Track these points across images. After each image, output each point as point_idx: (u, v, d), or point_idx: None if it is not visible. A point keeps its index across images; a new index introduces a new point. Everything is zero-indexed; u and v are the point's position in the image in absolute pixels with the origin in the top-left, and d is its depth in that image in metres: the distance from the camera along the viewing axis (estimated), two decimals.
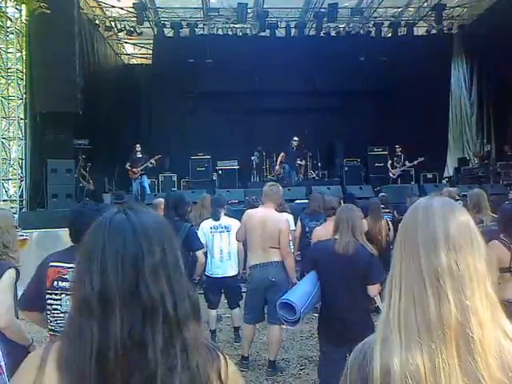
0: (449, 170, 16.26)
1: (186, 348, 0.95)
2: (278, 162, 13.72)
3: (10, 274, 2.63)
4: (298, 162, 13.43)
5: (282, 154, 13.42)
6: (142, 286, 0.93)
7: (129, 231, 0.97)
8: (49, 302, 2.54)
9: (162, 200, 5.25)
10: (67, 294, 2.48)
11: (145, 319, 0.92)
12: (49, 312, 2.56)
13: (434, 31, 15.67)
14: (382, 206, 6.97)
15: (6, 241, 2.76)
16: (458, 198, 7.04)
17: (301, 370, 4.80)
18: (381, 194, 8.76)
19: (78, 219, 2.53)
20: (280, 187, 5.00)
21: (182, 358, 0.94)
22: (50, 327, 2.59)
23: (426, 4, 15.05)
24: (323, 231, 4.81)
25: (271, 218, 4.72)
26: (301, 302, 3.28)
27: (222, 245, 5.49)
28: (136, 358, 0.90)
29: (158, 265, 0.96)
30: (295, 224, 6.58)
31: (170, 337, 0.94)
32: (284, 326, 5.00)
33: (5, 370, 1.69)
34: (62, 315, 2.52)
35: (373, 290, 3.42)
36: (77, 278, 0.98)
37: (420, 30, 16.07)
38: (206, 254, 5.07)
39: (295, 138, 12.90)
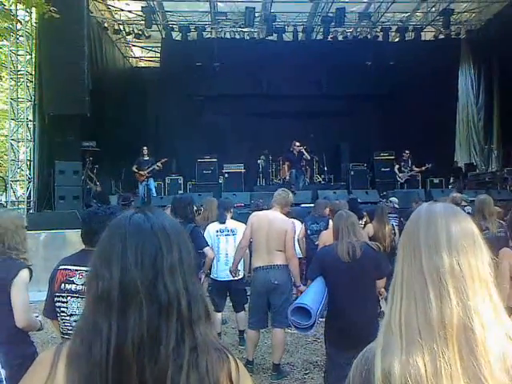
0: (462, 171, 16.16)
1: (196, 348, 0.97)
2: (285, 171, 13.67)
3: (24, 273, 2.72)
4: (304, 163, 13.31)
5: (287, 163, 13.38)
6: (159, 283, 0.95)
7: (148, 230, 1.00)
8: (57, 304, 2.55)
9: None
10: (73, 297, 2.51)
11: (160, 316, 0.94)
12: (58, 315, 2.57)
13: (441, 36, 15.65)
14: (389, 211, 6.96)
15: (16, 242, 2.79)
16: (464, 204, 7.00)
17: (305, 374, 4.79)
18: (392, 198, 8.74)
19: (92, 220, 2.56)
20: (290, 194, 5.05)
21: (191, 357, 0.95)
22: (61, 330, 2.60)
23: (433, 9, 15.03)
24: (329, 236, 4.82)
25: (277, 220, 4.75)
26: (315, 306, 3.26)
27: (227, 248, 5.49)
28: (149, 354, 0.93)
29: (175, 263, 0.98)
30: None
31: (182, 335, 0.96)
32: (289, 331, 5.02)
33: (3, 376, 1.70)
34: (67, 318, 2.52)
35: (380, 283, 3.47)
36: (94, 274, 0.99)
37: (428, 35, 16.06)
38: None
39: (297, 144, 12.69)
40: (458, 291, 0.99)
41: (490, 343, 0.97)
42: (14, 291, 2.65)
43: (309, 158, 12.96)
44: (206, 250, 4.45)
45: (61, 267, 2.60)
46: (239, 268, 5.27)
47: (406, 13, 15.50)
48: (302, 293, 4.90)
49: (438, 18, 15.14)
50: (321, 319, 3.56)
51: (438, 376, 0.96)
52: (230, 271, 5.13)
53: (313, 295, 3.35)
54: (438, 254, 1.02)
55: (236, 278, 5.46)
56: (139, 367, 0.92)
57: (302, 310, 3.31)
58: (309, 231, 6.51)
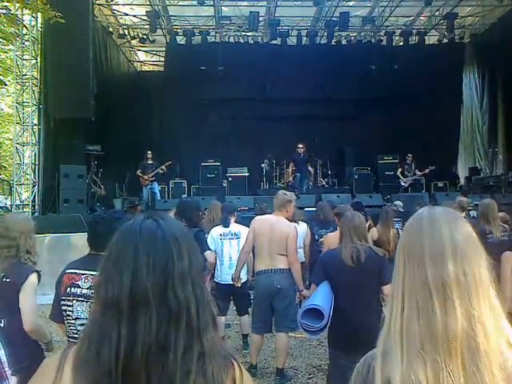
0: (460, 180, 16.16)
1: (203, 354, 0.97)
2: (289, 174, 13.70)
3: (33, 278, 2.73)
4: (308, 167, 13.38)
5: (292, 164, 13.42)
6: (169, 290, 0.96)
7: (160, 236, 1.00)
8: (63, 308, 2.57)
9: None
10: (78, 300, 2.52)
11: (170, 322, 0.94)
12: (65, 319, 2.59)
13: (445, 40, 15.65)
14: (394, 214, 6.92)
15: (29, 246, 2.81)
16: (470, 208, 6.97)
17: (309, 378, 4.78)
18: (396, 202, 8.71)
19: (99, 224, 2.58)
20: (287, 194, 5.00)
21: (198, 364, 0.96)
22: (67, 334, 2.61)
23: (437, 13, 15.04)
24: (334, 238, 4.80)
25: (279, 224, 4.73)
26: (327, 307, 3.23)
27: (231, 252, 5.48)
28: (158, 360, 0.93)
29: (185, 270, 0.99)
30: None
31: (190, 342, 0.96)
32: (293, 335, 5.01)
33: (9, 376, 1.71)
34: (73, 321, 2.54)
35: (386, 289, 3.41)
36: (103, 278, 0.99)
37: (431, 39, 16.05)
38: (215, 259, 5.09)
39: (300, 145, 12.79)
40: (463, 302, 0.98)
41: (493, 353, 0.96)
42: (23, 295, 2.67)
43: (312, 173, 13.27)
44: (207, 253, 4.44)
45: (67, 271, 2.62)
46: (242, 276, 5.25)
47: (410, 17, 15.52)
48: (304, 297, 4.91)
49: (441, 21, 15.15)
50: None
51: None
52: (232, 279, 5.12)
53: (321, 298, 3.33)
54: (444, 264, 1.00)
55: (238, 285, 5.44)
56: (147, 374, 0.92)
57: (312, 313, 3.28)
58: (316, 236, 6.38)
